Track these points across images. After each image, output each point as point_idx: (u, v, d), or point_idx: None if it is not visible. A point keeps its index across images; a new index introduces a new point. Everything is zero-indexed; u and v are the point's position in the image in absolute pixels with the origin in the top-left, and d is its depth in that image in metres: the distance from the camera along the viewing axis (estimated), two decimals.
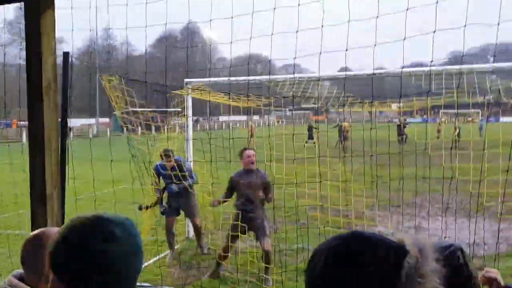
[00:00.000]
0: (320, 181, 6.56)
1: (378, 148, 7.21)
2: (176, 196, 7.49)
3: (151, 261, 6.98)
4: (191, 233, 8.27)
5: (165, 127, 9.09)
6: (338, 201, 7.49)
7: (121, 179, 9.82)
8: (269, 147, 6.67)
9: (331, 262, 0.98)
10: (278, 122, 34.01)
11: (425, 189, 9.66)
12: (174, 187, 7.33)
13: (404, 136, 25.02)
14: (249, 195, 6.43)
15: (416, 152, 7.22)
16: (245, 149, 6.73)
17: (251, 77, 7.69)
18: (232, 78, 6.38)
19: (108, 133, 45.02)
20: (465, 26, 4.00)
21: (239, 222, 6.30)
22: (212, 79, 8.48)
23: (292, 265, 6.68)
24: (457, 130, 22.77)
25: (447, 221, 6.96)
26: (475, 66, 7.35)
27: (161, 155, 7.34)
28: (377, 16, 4.06)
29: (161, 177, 7.57)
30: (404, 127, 26.21)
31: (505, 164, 6.85)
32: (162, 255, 7.29)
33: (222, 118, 67.90)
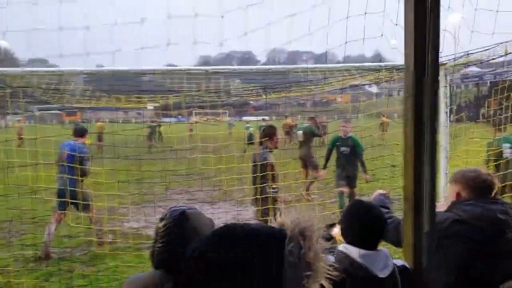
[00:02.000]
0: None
1: (131, 148, 7.36)
2: None
3: None
4: None
5: None
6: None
7: None
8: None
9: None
10: (24, 122, 30.53)
11: (175, 184, 10.33)
12: None
13: (158, 136, 26.38)
14: None
15: (173, 150, 7.68)
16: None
17: None
18: None
19: None
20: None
21: None
22: None
23: None
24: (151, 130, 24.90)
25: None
26: (220, 67, 8.13)
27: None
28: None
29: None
30: (158, 126, 27.24)
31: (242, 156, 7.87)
32: None
33: None
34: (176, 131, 24.94)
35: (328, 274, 0.96)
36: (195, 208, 2.03)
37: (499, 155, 7.15)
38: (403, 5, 2.16)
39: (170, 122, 29.69)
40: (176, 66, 7.33)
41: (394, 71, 5.32)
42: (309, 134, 11.93)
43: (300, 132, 12.39)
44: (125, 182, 7.29)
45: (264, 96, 7.97)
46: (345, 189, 8.78)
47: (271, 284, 0.89)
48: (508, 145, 7.30)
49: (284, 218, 1.00)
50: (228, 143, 8.67)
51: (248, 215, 8.26)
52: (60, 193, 6.86)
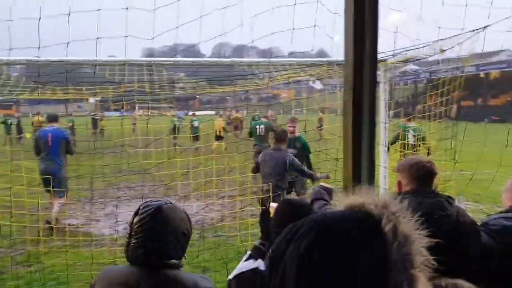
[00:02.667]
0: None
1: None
2: None
3: None
4: None
5: None
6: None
7: None
8: None
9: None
10: None
11: (119, 180, 10.05)
12: None
13: (99, 130, 25.65)
14: None
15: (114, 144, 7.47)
16: None
17: None
18: None
19: None
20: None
21: None
22: None
23: None
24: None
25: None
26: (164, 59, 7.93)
27: None
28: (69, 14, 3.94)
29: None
30: (101, 120, 26.50)
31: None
32: None
33: None
34: (118, 125, 24.23)
35: (425, 241, 0.87)
36: (170, 202, 1.98)
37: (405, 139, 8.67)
38: None
39: (111, 116, 28.82)
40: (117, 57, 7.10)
41: (335, 66, 5.45)
42: (269, 129, 12.19)
43: (262, 126, 12.67)
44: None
45: (209, 90, 7.91)
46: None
47: (379, 273, 0.79)
48: (412, 132, 8.81)
49: (353, 199, 0.88)
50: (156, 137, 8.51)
51: (193, 210, 8.19)
52: (46, 176, 7.29)
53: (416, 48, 4.93)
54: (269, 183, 6.62)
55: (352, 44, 2.12)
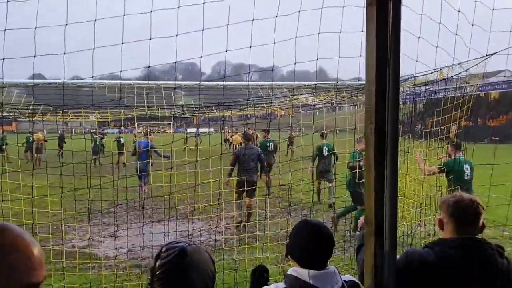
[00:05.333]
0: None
1: (74, 159, 7.00)
2: None
3: None
4: None
5: None
6: (31, 217, 6.91)
7: None
8: None
9: None
10: None
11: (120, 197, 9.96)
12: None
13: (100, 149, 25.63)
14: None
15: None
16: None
17: None
18: None
19: None
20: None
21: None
22: None
23: None
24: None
25: (141, 226, 7.31)
26: (164, 82, 8.00)
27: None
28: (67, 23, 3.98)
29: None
30: (102, 138, 26.46)
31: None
32: None
33: None
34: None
35: None
36: (193, 243, 1.86)
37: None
38: (365, 23, 2.17)
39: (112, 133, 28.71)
40: (118, 75, 7.14)
41: (344, 91, 5.46)
42: (276, 146, 14.75)
43: (271, 144, 14.83)
44: (69, 199, 6.94)
45: (217, 113, 7.95)
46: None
47: None
48: (326, 148, 11.63)
49: None
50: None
51: (196, 231, 8.14)
52: (139, 171, 11.07)
53: (425, 74, 4.96)
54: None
55: (374, 69, 2.11)
